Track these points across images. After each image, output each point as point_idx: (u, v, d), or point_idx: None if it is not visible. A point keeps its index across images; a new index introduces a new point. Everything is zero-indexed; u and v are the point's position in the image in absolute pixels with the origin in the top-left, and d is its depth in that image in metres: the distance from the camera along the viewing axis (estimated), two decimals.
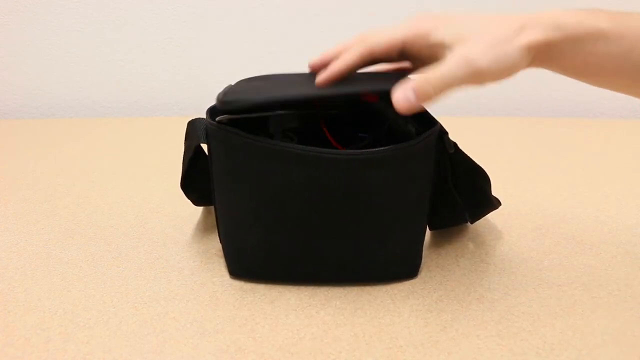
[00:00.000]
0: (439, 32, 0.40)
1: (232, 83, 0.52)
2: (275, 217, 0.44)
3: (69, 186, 0.68)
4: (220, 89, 0.50)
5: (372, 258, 0.46)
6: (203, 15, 0.94)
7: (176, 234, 0.56)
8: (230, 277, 0.49)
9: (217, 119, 0.44)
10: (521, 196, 0.65)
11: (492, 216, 0.58)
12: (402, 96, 0.38)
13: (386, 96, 0.39)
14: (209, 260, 0.52)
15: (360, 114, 0.54)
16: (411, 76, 0.40)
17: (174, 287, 0.47)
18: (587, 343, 0.41)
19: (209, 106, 0.47)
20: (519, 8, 0.95)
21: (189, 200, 0.55)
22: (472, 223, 0.56)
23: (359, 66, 0.43)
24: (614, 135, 0.90)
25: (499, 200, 0.55)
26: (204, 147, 0.48)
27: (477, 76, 0.38)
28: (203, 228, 0.58)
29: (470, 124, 0.91)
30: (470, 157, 0.51)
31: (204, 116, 0.48)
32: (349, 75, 0.44)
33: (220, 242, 0.50)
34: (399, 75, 0.43)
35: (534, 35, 0.38)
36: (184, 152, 0.52)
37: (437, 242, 0.55)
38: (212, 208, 0.61)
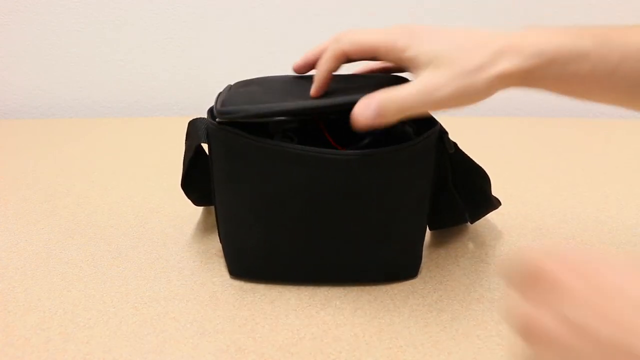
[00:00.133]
0: (412, 50, 0.39)
1: (232, 83, 0.52)
2: (275, 217, 0.44)
3: (69, 186, 0.68)
4: (220, 88, 0.50)
5: (372, 258, 0.46)
6: (203, 15, 0.94)
7: (176, 234, 0.56)
8: (230, 277, 0.49)
9: (218, 119, 0.44)
10: (521, 196, 0.65)
11: (492, 216, 0.58)
12: (362, 114, 0.38)
13: None
14: (209, 260, 0.52)
15: None
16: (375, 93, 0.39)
17: (174, 287, 0.47)
18: None
19: (209, 106, 0.47)
20: (518, 8, 0.95)
21: (189, 200, 0.55)
22: (472, 223, 0.56)
23: (338, 67, 0.43)
24: (614, 135, 0.90)
25: (499, 200, 0.55)
26: (205, 147, 0.48)
27: (436, 105, 0.38)
28: (203, 228, 0.58)
29: (470, 124, 0.91)
30: (470, 157, 0.51)
31: (204, 116, 0.48)
32: (346, 79, 0.44)
33: (220, 242, 0.50)
34: (392, 80, 0.43)
35: (511, 63, 0.37)
36: (185, 151, 0.52)
37: (437, 242, 0.55)
38: (212, 208, 0.61)
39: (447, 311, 0.44)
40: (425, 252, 0.51)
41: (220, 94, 0.49)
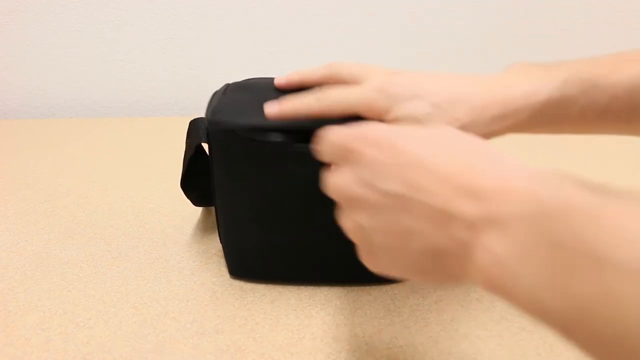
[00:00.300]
0: (392, 113, 0.38)
1: (230, 82, 0.52)
2: (275, 217, 0.44)
3: (69, 186, 0.68)
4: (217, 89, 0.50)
5: None
6: (203, 15, 0.94)
7: (176, 234, 0.56)
8: (230, 277, 0.49)
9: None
10: None
11: None
12: None
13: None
14: (209, 260, 0.52)
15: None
16: None
17: (174, 287, 0.47)
18: None
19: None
20: (518, 8, 0.95)
21: (189, 200, 0.55)
22: None
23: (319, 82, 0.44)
24: (613, 134, 0.90)
25: None
26: (205, 146, 0.48)
27: None
28: (203, 228, 0.58)
29: None
30: None
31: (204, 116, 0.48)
32: None
33: (221, 242, 0.50)
34: None
35: (499, 125, 0.38)
36: (185, 150, 0.52)
37: None
38: (212, 208, 0.61)
39: (447, 311, 0.44)
40: None
41: (215, 94, 0.49)
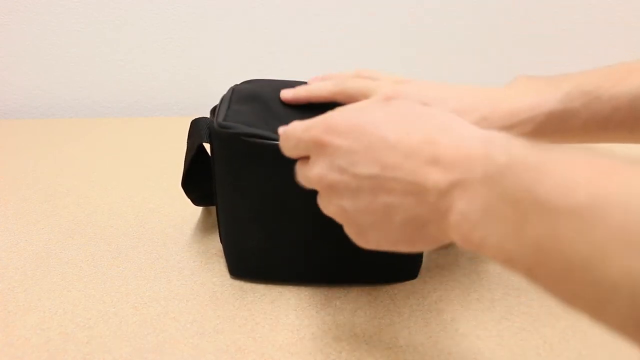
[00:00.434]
0: None
1: (233, 84, 0.51)
2: (275, 217, 0.44)
3: (69, 186, 0.68)
4: (220, 88, 0.50)
5: (372, 258, 0.46)
6: (203, 15, 0.94)
7: (176, 234, 0.56)
8: (230, 277, 0.49)
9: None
10: None
11: None
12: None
13: None
14: (209, 260, 0.51)
15: None
16: None
17: (174, 287, 0.47)
18: (587, 343, 0.41)
19: (211, 106, 0.47)
20: (518, 8, 0.95)
21: (189, 200, 0.55)
22: None
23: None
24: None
25: None
26: (207, 146, 0.48)
27: None
28: (203, 228, 0.58)
29: None
30: None
31: (205, 115, 0.48)
32: None
33: (221, 241, 0.50)
34: None
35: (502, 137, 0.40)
36: (187, 150, 0.52)
37: None
38: (212, 208, 0.61)
39: (447, 311, 0.44)
40: (425, 252, 0.51)
41: (223, 98, 0.49)
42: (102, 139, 0.85)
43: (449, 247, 0.54)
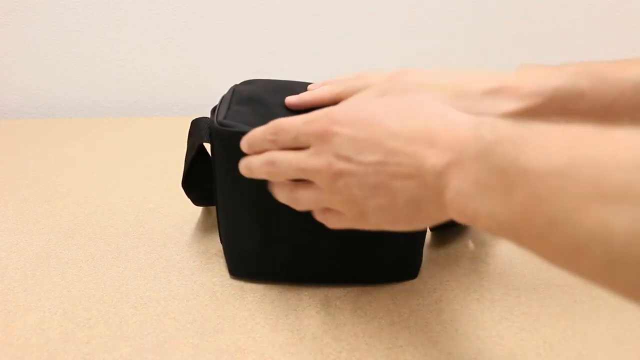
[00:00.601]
0: (413, 86, 0.41)
1: (233, 83, 0.52)
2: (275, 216, 0.44)
3: (69, 186, 0.68)
4: (220, 88, 0.50)
5: (372, 258, 0.46)
6: (203, 15, 0.94)
7: (176, 234, 0.56)
8: (230, 277, 0.49)
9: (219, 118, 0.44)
10: None
11: None
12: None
13: None
14: (209, 260, 0.51)
15: None
16: None
17: (174, 287, 0.47)
18: (587, 343, 0.41)
19: (211, 106, 0.47)
20: (518, 8, 0.95)
21: (189, 200, 0.55)
22: None
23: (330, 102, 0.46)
24: None
25: None
26: (207, 146, 0.48)
27: None
28: (203, 228, 0.58)
29: None
30: None
31: (205, 115, 0.48)
32: None
33: (221, 241, 0.50)
34: None
35: (509, 105, 0.39)
36: (187, 150, 0.52)
37: (437, 242, 0.55)
38: (212, 208, 0.61)
39: (447, 311, 0.44)
40: (425, 252, 0.51)
41: (223, 98, 0.49)
42: (102, 139, 0.85)
43: (449, 242, 0.54)
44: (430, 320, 0.43)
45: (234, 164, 0.44)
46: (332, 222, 0.37)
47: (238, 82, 0.53)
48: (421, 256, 0.49)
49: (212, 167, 0.47)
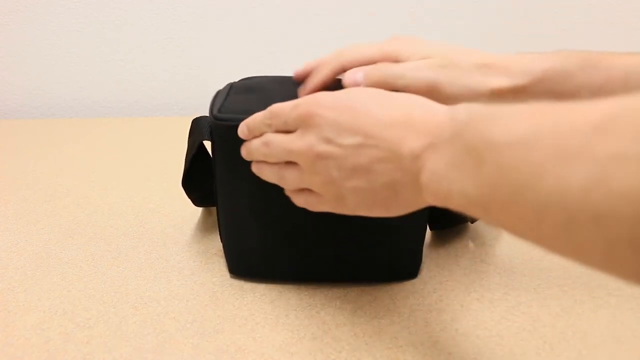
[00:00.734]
0: (406, 53, 0.43)
1: (235, 80, 0.52)
2: (276, 216, 0.44)
3: (69, 186, 0.68)
4: (220, 88, 0.50)
5: (372, 258, 0.46)
6: (203, 15, 0.94)
7: (176, 234, 0.56)
8: (230, 277, 0.49)
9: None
10: None
11: None
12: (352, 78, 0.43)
13: None
14: (209, 260, 0.52)
15: None
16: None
17: (174, 287, 0.47)
18: (587, 343, 0.41)
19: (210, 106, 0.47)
20: (518, 8, 0.95)
21: (189, 200, 0.55)
22: (472, 223, 0.56)
23: (332, 78, 0.46)
24: None
25: None
26: (208, 145, 0.48)
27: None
28: (203, 228, 0.58)
29: None
30: None
31: (206, 115, 0.48)
32: None
33: (221, 240, 0.50)
34: None
35: (501, 81, 0.40)
36: (187, 149, 0.52)
37: (437, 242, 0.55)
38: (212, 208, 0.61)
39: (447, 311, 0.44)
40: (425, 252, 0.51)
41: (219, 92, 0.49)
42: (102, 139, 0.85)
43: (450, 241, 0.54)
44: (430, 320, 0.43)
45: (234, 162, 0.44)
46: (312, 204, 0.38)
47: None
48: (421, 256, 0.49)
49: (212, 166, 0.47)
